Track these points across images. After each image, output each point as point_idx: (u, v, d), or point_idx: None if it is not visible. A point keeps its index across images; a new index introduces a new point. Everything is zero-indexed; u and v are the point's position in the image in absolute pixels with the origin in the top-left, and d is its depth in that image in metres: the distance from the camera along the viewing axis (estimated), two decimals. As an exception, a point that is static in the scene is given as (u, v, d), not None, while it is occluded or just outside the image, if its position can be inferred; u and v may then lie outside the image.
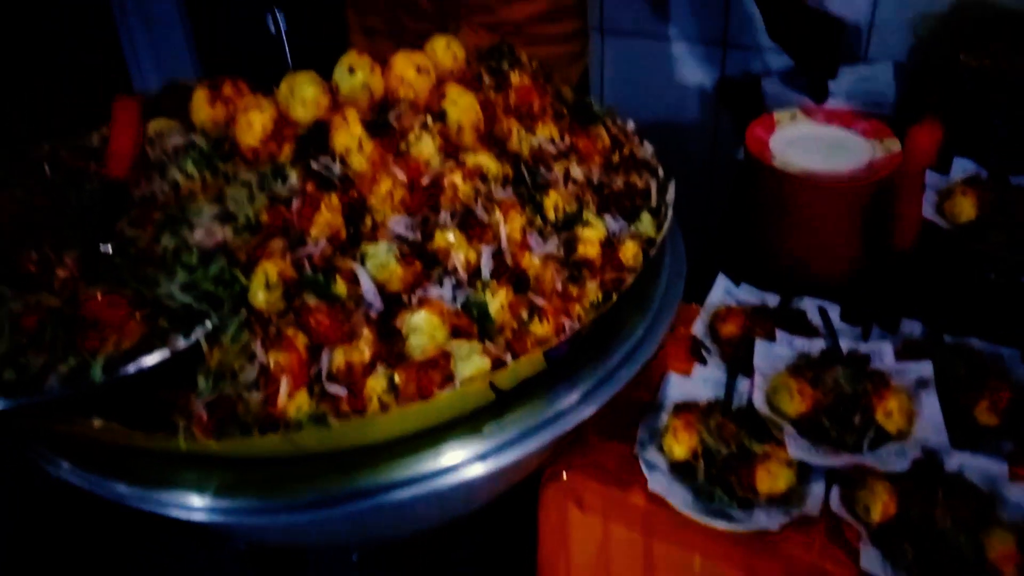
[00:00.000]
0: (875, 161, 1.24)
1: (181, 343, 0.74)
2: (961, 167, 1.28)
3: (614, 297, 0.88)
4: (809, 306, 1.19)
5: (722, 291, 1.24)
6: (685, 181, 1.08)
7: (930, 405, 0.97)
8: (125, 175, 0.89)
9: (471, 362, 0.78)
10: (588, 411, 0.84)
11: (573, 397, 0.84)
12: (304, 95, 0.92)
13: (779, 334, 1.11)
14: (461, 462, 0.78)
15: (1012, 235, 1.15)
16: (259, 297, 0.77)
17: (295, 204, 0.84)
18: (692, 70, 1.95)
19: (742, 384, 1.05)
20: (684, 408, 1.02)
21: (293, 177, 0.87)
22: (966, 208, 1.18)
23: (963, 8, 1.46)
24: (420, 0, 1.54)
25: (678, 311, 0.99)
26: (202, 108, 0.95)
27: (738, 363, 1.09)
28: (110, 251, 0.80)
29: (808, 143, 1.30)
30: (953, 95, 1.36)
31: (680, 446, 0.97)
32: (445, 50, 1.05)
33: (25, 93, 2.43)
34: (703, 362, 1.13)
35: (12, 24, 2.44)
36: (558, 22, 1.59)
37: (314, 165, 0.87)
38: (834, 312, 1.17)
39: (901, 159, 1.20)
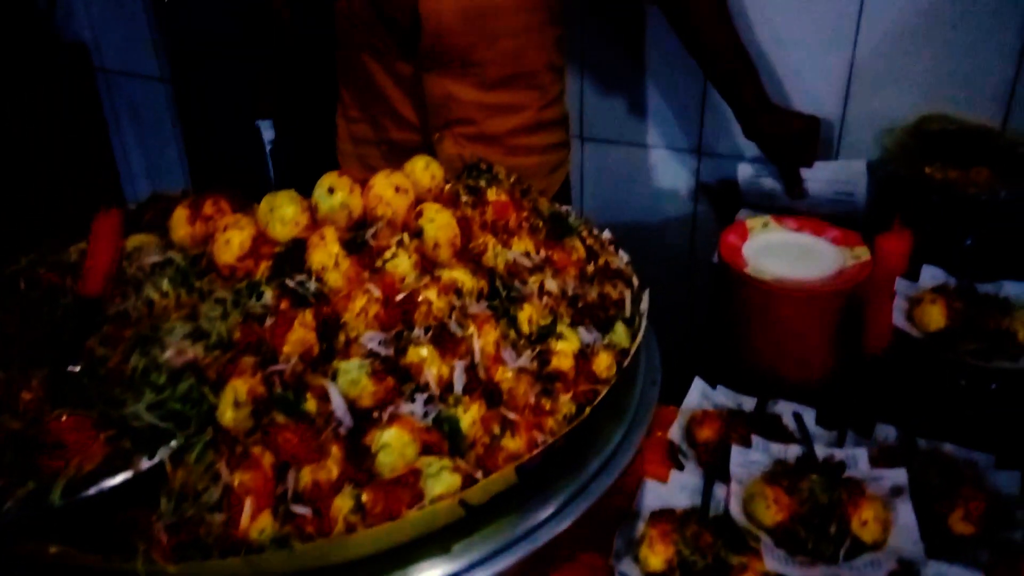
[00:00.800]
0: (846, 269, 1.26)
1: (145, 464, 0.73)
2: (930, 275, 1.30)
3: (587, 411, 0.88)
4: (784, 410, 1.19)
5: (699, 395, 1.25)
6: (663, 282, 1.10)
7: (905, 514, 0.97)
8: (100, 292, 0.90)
9: (441, 480, 0.78)
10: (563, 525, 0.83)
11: (547, 511, 0.84)
12: (283, 214, 0.94)
13: (755, 439, 1.11)
14: (429, 583, 0.76)
15: (982, 343, 1.16)
16: (227, 415, 0.77)
17: (269, 321, 0.84)
18: (670, 175, 2.00)
19: (719, 491, 1.05)
20: (661, 516, 1.01)
21: (268, 295, 0.87)
22: (935, 316, 1.19)
23: (927, 121, 1.52)
24: (405, 112, 1.58)
25: (655, 414, 0.99)
26: (181, 226, 0.96)
27: (715, 469, 1.08)
28: (78, 371, 0.80)
29: (780, 250, 1.33)
30: (919, 205, 1.40)
31: (656, 557, 0.96)
32: (424, 170, 1.07)
33: (17, 202, 2.46)
34: (680, 467, 1.13)
35: (2, 132, 2.49)
36: (540, 134, 1.64)
37: (289, 283, 0.88)
38: (809, 416, 1.18)
39: (871, 267, 1.23)
